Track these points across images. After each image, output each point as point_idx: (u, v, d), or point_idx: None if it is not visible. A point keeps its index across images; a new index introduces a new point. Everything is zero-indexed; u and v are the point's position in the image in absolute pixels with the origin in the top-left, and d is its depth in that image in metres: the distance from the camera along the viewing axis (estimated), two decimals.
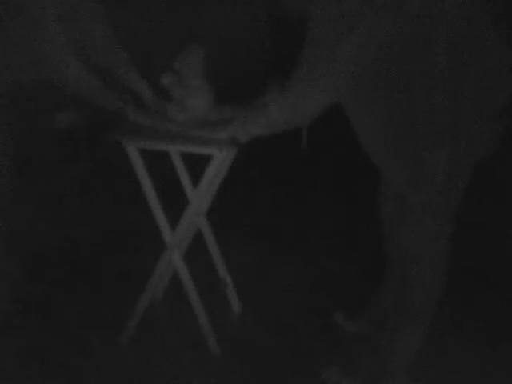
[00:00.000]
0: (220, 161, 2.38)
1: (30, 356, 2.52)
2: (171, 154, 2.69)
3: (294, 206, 4.05)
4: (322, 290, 3.10)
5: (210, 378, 2.48)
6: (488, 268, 3.24)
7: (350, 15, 2.04)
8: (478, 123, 2.18)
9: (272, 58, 5.86)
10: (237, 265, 2.97)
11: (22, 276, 2.79)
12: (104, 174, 4.04)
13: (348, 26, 2.03)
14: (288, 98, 2.15)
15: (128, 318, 2.61)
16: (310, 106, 2.15)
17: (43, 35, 2.34)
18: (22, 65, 2.45)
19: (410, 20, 2.04)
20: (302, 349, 2.64)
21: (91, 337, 2.65)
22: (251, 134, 2.27)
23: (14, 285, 2.69)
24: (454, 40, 2.08)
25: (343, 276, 3.21)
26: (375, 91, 2.13)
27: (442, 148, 2.14)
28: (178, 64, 2.44)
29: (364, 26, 2.02)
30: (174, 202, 2.64)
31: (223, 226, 2.97)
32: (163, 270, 2.59)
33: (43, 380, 2.41)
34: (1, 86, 2.47)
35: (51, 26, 2.32)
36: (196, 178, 2.54)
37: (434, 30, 2.06)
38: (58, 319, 2.76)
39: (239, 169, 2.84)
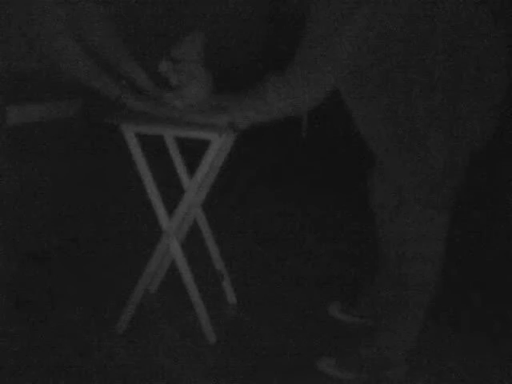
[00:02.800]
0: (218, 146, 2.36)
1: (30, 353, 2.48)
2: (167, 144, 2.68)
3: (291, 196, 4.04)
4: (318, 281, 3.10)
5: (206, 367, 2.45)
6: (488, 267, 3.24)
7: (347, 4, 2.05)
8: (476, 118, 2.20)
9: (272, 44, 5.87)
10: (233, 257, 2.96)
11: (20, 270, 2.76)
12: (102, 163, 4.03)
13: (346, 13, 2.04)
14: (287, 84, 2.15)
15: (124, 307, 2.59)
16: (308, 92, 2.15)
17: (42, 20, 2.33)
18: (21, 53, 2.44)
19: (409, 15, 2.05)
20: (297, 340, 2.63)
21: (88, 328, 2.62)
22: (250, 119, 2.26)
23: (12, 281, 2.66)
24: (453, 37, 2.10)
25: (339, 267, 3.20)
26: (374, 86, 2.14)
27: (441, 141, 2.15)
28: (177, 51, 2.43)
29: (362, 14, 2.04)
30: (173, 192, 2.63)
31: (220, 218, 2.96)
32: (159, 259, 2.57)
33: (43, 378, 2.37)
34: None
35: (50, 10, 2.31)
36: (193, 168, 2.53)
37: (433, 26, 2.08)
38: (54, 311, 2.73)
39: (238, 159, 2.83)
